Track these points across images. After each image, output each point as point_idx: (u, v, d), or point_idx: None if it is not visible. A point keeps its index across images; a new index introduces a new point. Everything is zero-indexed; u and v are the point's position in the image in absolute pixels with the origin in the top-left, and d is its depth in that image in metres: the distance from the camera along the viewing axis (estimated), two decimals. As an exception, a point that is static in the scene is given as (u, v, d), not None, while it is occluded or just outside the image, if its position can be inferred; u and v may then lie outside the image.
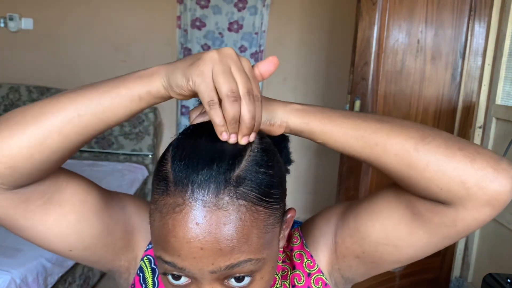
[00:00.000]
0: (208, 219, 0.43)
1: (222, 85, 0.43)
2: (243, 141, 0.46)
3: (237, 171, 0.45)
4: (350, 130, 0.48)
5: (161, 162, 0.48)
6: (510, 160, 0.46)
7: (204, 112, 0.51)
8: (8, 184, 0.46)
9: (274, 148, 0.51)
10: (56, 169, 0.49)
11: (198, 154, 0.45)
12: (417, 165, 0.45)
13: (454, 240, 0.50)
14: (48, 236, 0.51)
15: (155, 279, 0.59)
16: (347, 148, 0.49)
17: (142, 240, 0.59)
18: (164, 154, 0.49)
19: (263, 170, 0.47)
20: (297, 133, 0.52)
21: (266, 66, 0.47)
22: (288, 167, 0.60)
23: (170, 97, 0.47)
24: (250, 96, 0.44)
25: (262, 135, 0.50)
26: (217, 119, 0.44)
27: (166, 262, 0.46)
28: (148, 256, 0.59)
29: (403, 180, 0.47)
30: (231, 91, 0.43)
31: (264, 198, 0.46)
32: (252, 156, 0.47)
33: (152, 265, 0.59)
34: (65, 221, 0.51)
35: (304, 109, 0.50)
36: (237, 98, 0.43)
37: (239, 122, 0.45)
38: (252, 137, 0.46)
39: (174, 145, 0.48)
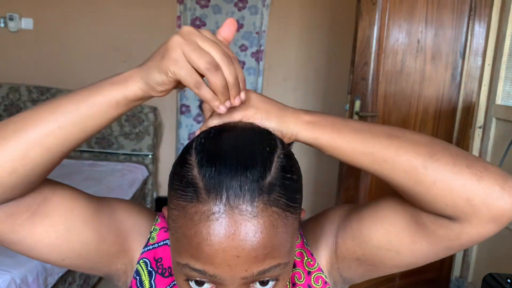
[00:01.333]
0: (245, 228, 0.43)
1: (198, 62, 0.43)
2: (236, 101, 0.47)
3: (269, 178, 0.45)
4: (359, 146, 0.48)
5: (183, 167, 0.47)
6: (511, 160, 0.46)
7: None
8: None
9: (292, 152, 0.52)
10: (41, 181, 0.49)
11: (228, 160, 0.45)
12: (425, 182, 0.45)
13: (456, 252, 0.51)
14: (39, 248, 0.51)
15: (152, 281, 0.58)
16: (356, 162, 0.49)
17: (136, 243, 0.59)
18: (185, 158, 0.48)
19: (289, 176, 0.47)
20: (307, 144, 0.52)
21: (226, 30, 0.49)
22: None
23: (149, 98, 0.48)
24: (227, 58, 0.45)
25: (281, 141, 0.50)
26: (208, 95, 0.45)
27: (195, 269, 0.45)
28: (144, 259, 0.59)
29: (410, 194, 0.48)
30: (208, 63, 0.43)
31: (291, 204, 0.47)
32: (279, 162, 0.47)
33: (149, 268, 0.59)
34: (54, 231, 0.51)
35: (314, 122, 0.51)
36: (216, 67, 0.44)
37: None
38: (242, 95, 0.47)
39: (198, 149, 0.47)
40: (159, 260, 0.59)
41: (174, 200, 0.48)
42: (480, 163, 0.45)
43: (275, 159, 0.47)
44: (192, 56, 0.43)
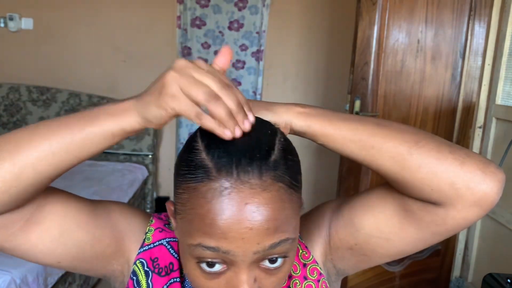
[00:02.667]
0: (256, 200, 0.45)
1: (197, 95, 0.43)
2: (246, 126, 0.46)
3: (273, 157, 0.47)
4: (348, 133, 0.51)
5: (190, 153, 0.48)
6: (511, 160, 0.47)
7: None
8: None
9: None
10: (34, 197, 0.50)
11: (233, 142, 0.46)
12: (410, 167, 0.48)
13: (443, 238, 0.53)
14: (34, 253, 0.52)
15: (149, 281, 0.59)
16: (346, 149, 0.52)
17: (132, 244, 0.60)
18: (192, 145, 0.49)
19: (290, 156, 0.49)
20: (300, 134, 0.54)
21: (222, 59, 0.48)
22: None
23: (144, 129, 0.49)
24: (225, 86, 0.45)
25: (279, 128, 0.53)
26: (211, 124, 0.45)
27: (208, 248, 0.46)
28: (140, 260, 0.59)
29: (397, 181, 0.50)
30: (207, 94, 0.43)
31: (294, 182, 0.49)
32: (281, 143, 0.49)
33: (145, 268, 0.59)
34: (48, 237, 0.52)
35: (306, 112, 0.53)
36: (216, 97, 0.44)
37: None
38: (251, 117, 0.47)
39: (204, 135, 0.49)
40: (155, 260, 0.60)
41: (183, 185, 0.48)
42: (463, 150, 0.48)
43: (277, 141, 0.49)
44: (190, 90, 0.43)
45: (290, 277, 0.61)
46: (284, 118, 0.53)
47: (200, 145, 0.48)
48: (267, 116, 0.53)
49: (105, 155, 3.01)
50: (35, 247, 0.52)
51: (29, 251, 0.52)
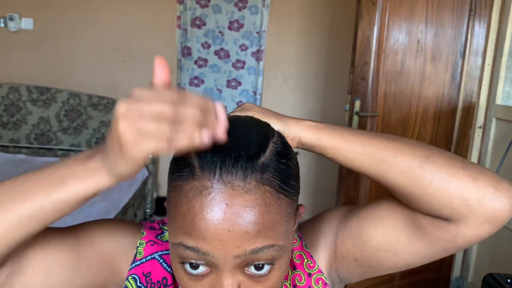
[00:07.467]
0: (237, 202, 0.44)
1: (151, 128, 0.39)
2: (219, 132, 0.43)
3: (262, 159, 0.46)
4: (359, 147, 0.50)
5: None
6: (511, 160, 0.47)
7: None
8: None
9: (290, 145, 0.53)
10: (7, 258, 0.47)
11: (223, 143, 0.45)
12: (421, 182, 0.47)
13: (452, 253, 0.52)
14: None
15: None
16: (356, 163, 0.51)
17: (123, 262, 0.58)
18: None
19: (284, 160, 0.48)
20: (309, 148, 0.54)
21: (159, 72, 0.43)
22: None
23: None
24: (178, 101, 0.39)
25: (279, 134, 0.52)
26: (183, 142, 0.40)
27: (188, 247, 0.45)
28: (132, 276, 0.58)
29: (407, 195, 0.49)
30: (165, 122, 0.39)
31: (285, 187, 0.47)
32: (274, 146, 0.48)
33: (138, 284, 0.58)
34: (32, 283, 0.50)
35: (316, 126, 0.53)
36: (175, 118, 0.39)
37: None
38: (221, 116, 0.43)
39: None
40: (148, 274, 0.58)
41: (172, 183, 0.48)
42: (475, 166, 0.47)
43: (270, 144, 0.48)
44: (145, 128, 0.38)
45: (294, 286, 0.60)
46: (293, 130, 0.52)
47: None
48: (277, 126, 0.53)
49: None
50: None
51: None
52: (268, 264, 0.47)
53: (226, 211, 0.43)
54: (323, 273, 0.60)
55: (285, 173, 0.48)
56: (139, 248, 0.59)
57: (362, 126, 1.97)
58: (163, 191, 3.17)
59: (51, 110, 2.95)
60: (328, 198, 2.96)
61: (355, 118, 1.96)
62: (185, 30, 3.00)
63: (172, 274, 0.58)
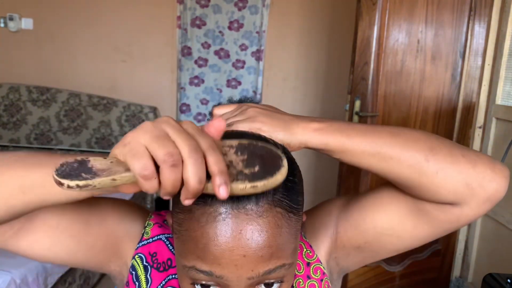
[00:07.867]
0: (251, 227, 0.44)
1: (156, 150, 0.36)
2: (221, 192, 0.37)
3: None
4: (367, 147, 0.50)
5: None
6: (511, 160, 0.48)
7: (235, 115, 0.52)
8: None
9: (294, 158, 0.53)
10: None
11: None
12: (427, 173, 0.49)
13: (453, 231, 0.57)
14: (25, 255, 0.54)
15: (148, 276, 0.59)
16: (364, 163, 0.52)
17: (129, 244, 0.60)
18: None
19: (291, 178, 0.48)
20: (316, 150, 0.54)
21: (212, 130, 0.40)
22: None
23: None
24: (195, 155, 0.36)
25: (284, 148, 0.51)
26: (168, 189, 0.36)
27: (201, 271, 0.46)
28: (139, 254, 0.59)
29: (414, 187, 0.51)
30: (169, 154, 0.35)
31: (294, 205, 0.48)
32: None
33: (144, 263, 0.59)
34: (38, 246, 0.53)
35: (322, 129, 0.51)
36: (176, 161, 0.36)
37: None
38: (222, 192, 0.38)
39: None
40: (154, 254, 0.60)
41: (180, 204, 0.48)
42: (472, 151, 0.51)
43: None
44: (151, 142, 0.36)
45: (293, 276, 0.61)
46: (299, 138, 0.51)
47: None
48: (283, 138, 0.51)
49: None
50: (25, 252, 0.53)
51: (20, 253, 0.54)
52: (278, 282, 0.48)
53: (241, 237, 0.44)
54: (321, 263, 0.62)
55: (292, 190, 0.48)
56: (147, 228, 0.61)
57: (362, 126, 1.97)
58: (163, 191, 3.16)
59: (51, 110, 2.95)
60: (328, 198, 2.96)
61: (355, 118, 1.96)
62: (185, 30, 3.00)
63: None
